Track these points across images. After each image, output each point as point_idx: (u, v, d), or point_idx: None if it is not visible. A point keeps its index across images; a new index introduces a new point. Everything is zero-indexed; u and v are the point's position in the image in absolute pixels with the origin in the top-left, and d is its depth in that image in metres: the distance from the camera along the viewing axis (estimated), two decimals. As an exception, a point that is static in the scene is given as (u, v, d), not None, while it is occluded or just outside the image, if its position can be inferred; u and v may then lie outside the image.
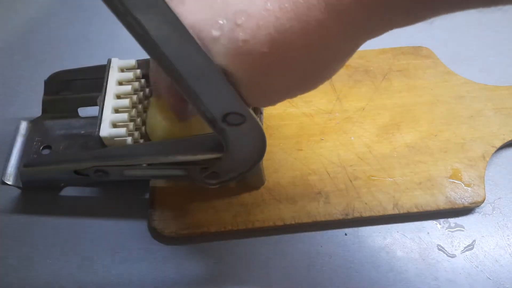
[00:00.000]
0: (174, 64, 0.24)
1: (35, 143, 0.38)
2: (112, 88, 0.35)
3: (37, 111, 0.40)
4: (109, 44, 0.50)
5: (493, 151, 0.40)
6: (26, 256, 0.35)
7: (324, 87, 0.44)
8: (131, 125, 0.34)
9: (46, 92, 0.39)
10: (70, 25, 0.52)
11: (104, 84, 0.35)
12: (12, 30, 0.51)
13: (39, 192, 0.38)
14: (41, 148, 0.38)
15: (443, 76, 0.45)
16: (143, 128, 0.36)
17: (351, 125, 0.42)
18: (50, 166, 0.35)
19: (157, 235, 0.36)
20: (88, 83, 0.39)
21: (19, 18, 0.53)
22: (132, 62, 0.37)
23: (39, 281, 0.34)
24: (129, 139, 0.33)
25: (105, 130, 0.33)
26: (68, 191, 0.39)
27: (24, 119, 0.40)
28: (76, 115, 0.40)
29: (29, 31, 0.51)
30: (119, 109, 0.34)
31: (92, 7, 0.54)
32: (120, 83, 0.36)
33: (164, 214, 0.36)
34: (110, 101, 0.34)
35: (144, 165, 0.34)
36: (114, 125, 0.33)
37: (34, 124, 0.39)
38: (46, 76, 0.39)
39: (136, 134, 0.35)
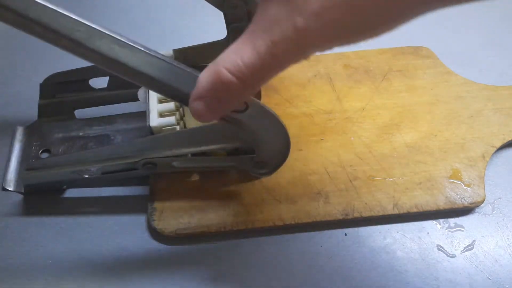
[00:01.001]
0: (142, 71, 0.25)
1: (33, 147, 0.38)
2: None
3: (32, 116, 0.40)
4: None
5: (493, 151, 0.40)
6: (28, 255, 0.35)
7: (324, 87, 0.44)
8: (177, 114, 0.34)
9: (41, 96, 0.39)
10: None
11: None
12: (6, 33, 0.51)
13: (40, 196, 0.38)
14: (40, 152, 0.38)
15: (443, 76, 0.45)
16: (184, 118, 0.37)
17: (351, 125, 0.42)
18: (53, 170, 0.34)
19: (157, 235, 0.36)
20: (84, 84, 0.39)
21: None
22: (170, 52, 0.37)
23: (39, 281, 0.34)
24: (178, 127, 0.34)
25: (155, 121, 0.33)
26: (68, 194, 0.39)
27: (20, 124, 0.39)
28: (73, 117, 0.40)
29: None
30: (163, 100, 0.35)
31: (91, 8, 0.54)
32: None
33: (164, 214, 0.36)
34: (154, 92, 0.35)
35: (189, 155, 0.35)
36: (161, 115, 0.34)
37: (31, 128, 0.39)
38: (38, 80, 0.39)
39: (181, 123, 0.35)
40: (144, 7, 0.54)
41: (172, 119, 0.34)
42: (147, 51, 0.26)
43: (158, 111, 0.34)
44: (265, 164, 0.35)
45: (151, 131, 0.34)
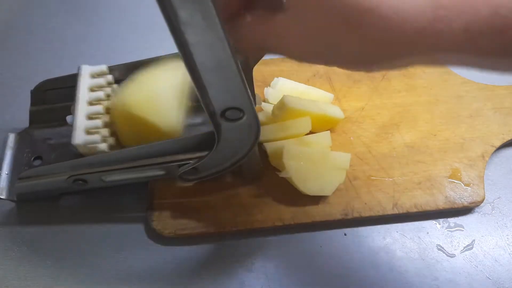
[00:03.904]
0: (192, 52, 0.25)
1: (25, 154, 0.38)
2: (84, 95, 0.35)
3: (24, 122, 0.39)
4: (107, 46, 0.50)
5: (492, 151, 0.40)
6: (27, 256, 0.35)
7: (324, 87, 0.44)
8: (104, 131, 0.34)
9: (32, 102, 0.39)
10: (68, 27, 0.52)
11: (76, 92, 0.35)
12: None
13: (34, 203, 0.38)
14: (32, 159, 0.38)
15: (442, 76, 0.45)
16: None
17: (350, 125, 0.42)
18: (45, 178, 0.34)
19: (156, 235, 0.36)
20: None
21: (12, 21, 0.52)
22: (103, 67, 0.37)
23: (39, 280, 0.34)
24: (103, 145, 0.33)
25: (79, 138, 0.33)
26: (64, 200, 0.38)
27: (11, 131, 0.39)
28: (64, 123, 0.39)
29: (18, 40, 0.51)
30: (92, 116, 0.34)
31: (90, 8, 0.54)
32: (92, 90, 0.36)
33: (163, 215, 0.36)
34: (82, 108, 0.34)
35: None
36: (88, 132, 0.33)
37: (22, 135, 0.39)
38: (31, 86, 0.38)
39: (111, 139, 0.35)
40: (145, 10, 0.54)
41: (97, 137, 0.33)
42: (223, 40, 0.25)
43: (84, 128, 0.33)
44: (195, 171, 0.34)
45: (75, 149, 0.33)
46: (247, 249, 0.36)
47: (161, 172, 0.34)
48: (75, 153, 0.34)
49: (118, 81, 0.38)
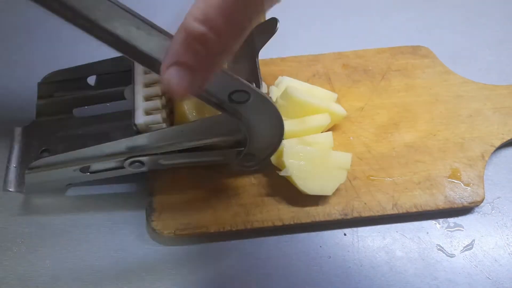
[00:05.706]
0: (155, 58, 0.25)
1: (32, 147, 0.38)
2: (140, 77, 0.35)
3: (30, 116, 0.39)
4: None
5: (492, 151, 0.40)
6: (26, 256, 0.35)
7: (323, 87, 0.44)
8: (163, 112, 0.34)
9: (40, 95, 0.39)
10: (65, 27, 0.52)
11: (132, 74, 0.35)
12: (4, 34, 0.51)
13: (40, 196, 0.38)
14: (39, 152, 0.38)
15: (442, 76, 0.45)
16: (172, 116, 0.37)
17: (350, 124, 0.42)
18: (55, 168, 0.34)
19: (156, 235, 0.36)
20: (82, 82, 0.39)
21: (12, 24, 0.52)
22: None
23: (38, 280, 0.34)
24: (164, 125, 0.34)
25: (140, 118, 0.33)
26: (70, 192, 0.39)
27: (18, 125, 0.39)
28: (71, 116, 0.40)
29: (22, 35, 0.51)
30: (150, 97, 0.35)
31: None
32: (147, 72, 0.36)
33: (163, 215, 0.36)
34: (140, 90, 0.35)
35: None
36: (148, 113, 0.34)
37: (29, 129, 0.39)
38: (34, 80, 0.39)
39: (168, 121, 0.35)
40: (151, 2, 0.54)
41: (158, 117, 0.33)
42: (165, 35, 0.24)
43: (143, 109, 0.34)
44: (252, 156, 0.35)
45: (137, 129, 0.34)
46: (247, 249, 0.36)
47: (220, 158, 0.36)
48: (82, 145, 0.35)
49: None
